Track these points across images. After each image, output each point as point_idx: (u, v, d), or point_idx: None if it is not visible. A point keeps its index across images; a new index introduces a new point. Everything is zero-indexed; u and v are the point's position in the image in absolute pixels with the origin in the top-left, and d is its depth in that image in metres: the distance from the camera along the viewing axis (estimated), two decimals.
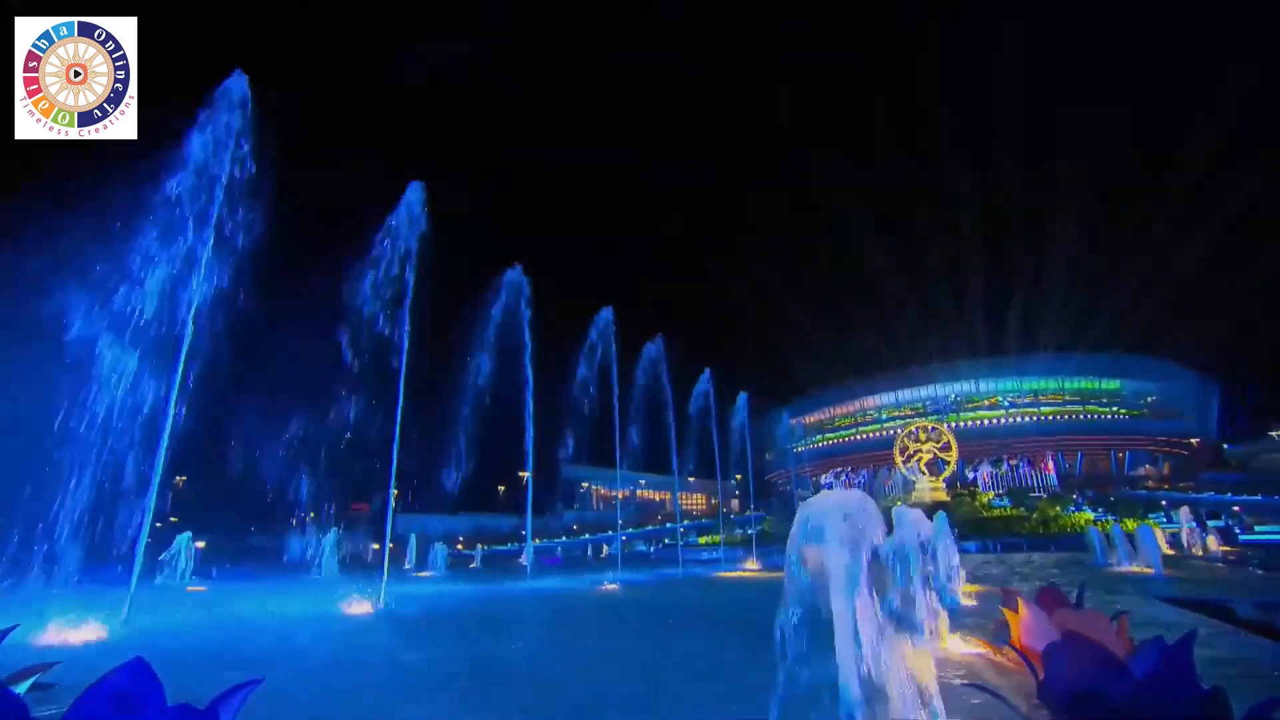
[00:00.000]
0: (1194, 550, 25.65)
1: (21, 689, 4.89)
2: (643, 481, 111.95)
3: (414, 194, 14.54)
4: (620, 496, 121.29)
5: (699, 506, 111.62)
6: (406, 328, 13.58)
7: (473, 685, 5.87)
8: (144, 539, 9.23)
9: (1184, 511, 28.05)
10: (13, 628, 5.93)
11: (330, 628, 9.38)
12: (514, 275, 19.07)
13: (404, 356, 13.32)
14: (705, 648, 7.82)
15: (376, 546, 42.96)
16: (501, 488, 79.99)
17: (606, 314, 23.48)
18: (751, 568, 27.03)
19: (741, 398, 33.04)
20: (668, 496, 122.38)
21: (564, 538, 75.13)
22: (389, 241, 14.39)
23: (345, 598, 12.09)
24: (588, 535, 78.30)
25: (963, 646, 6.99)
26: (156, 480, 9.35)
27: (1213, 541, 25.66)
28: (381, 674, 6.46)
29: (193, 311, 10.17)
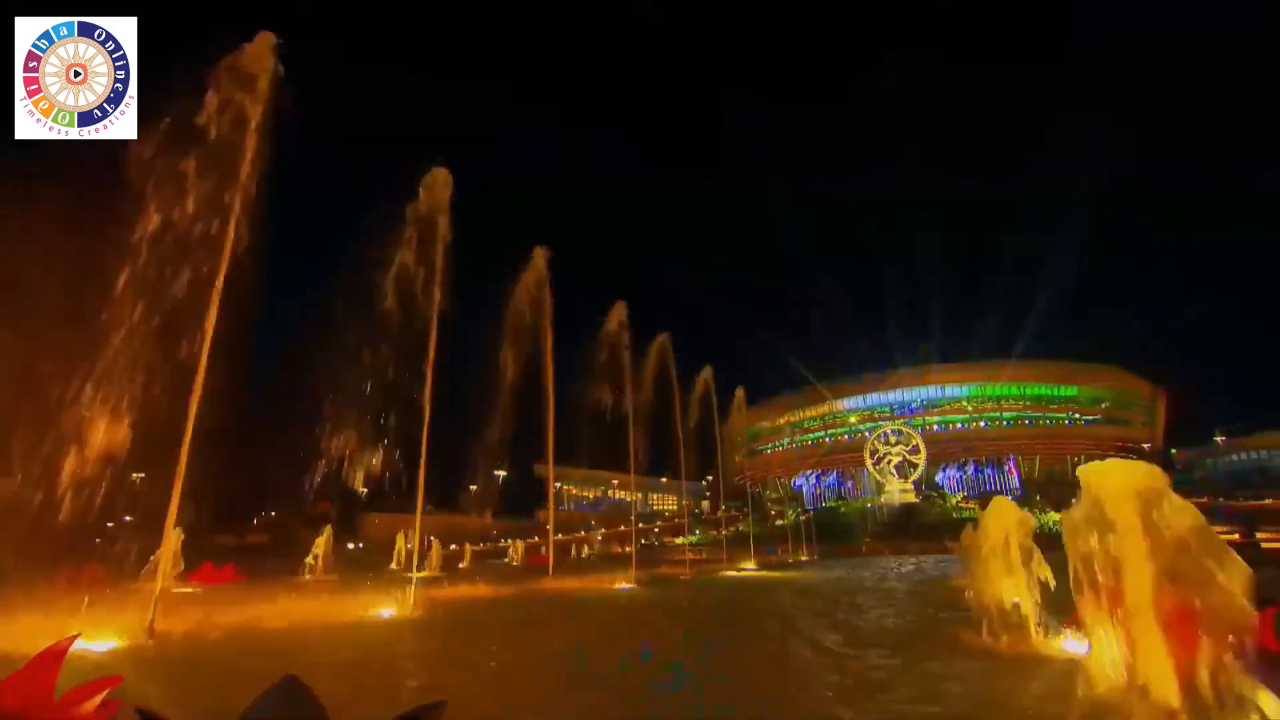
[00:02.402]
0: None
1: (93, 704, 4.27)
2: (615, 481, 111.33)
3: (439, 178, 13.87)
4: (591, 496, 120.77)
5: (671, 507, 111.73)
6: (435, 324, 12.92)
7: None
8: (169, 542, 8.40)
9: None
10: (74, 637, 5.15)
11: (379, 634, 8.68)
12: (532, 272, 18.42)
13: (433, 343, 12.64)
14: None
15: (352, 546, 41.46)
16: (473, 486, 78.32)
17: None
18: (750, 567, 26.92)
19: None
20: (638, 497, 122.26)
21: (538, 537, 74.20)
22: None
23: (368, 599, 11.36)
24: (560, 535, 77.44)
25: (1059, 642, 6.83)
26: (179, 480, 8.56)
27: None
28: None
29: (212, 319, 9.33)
